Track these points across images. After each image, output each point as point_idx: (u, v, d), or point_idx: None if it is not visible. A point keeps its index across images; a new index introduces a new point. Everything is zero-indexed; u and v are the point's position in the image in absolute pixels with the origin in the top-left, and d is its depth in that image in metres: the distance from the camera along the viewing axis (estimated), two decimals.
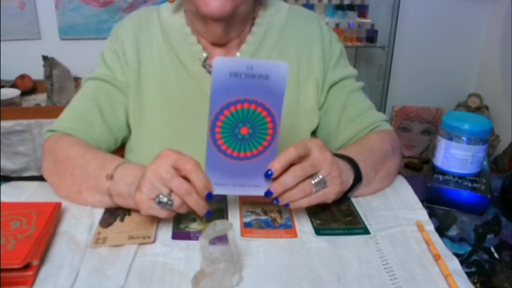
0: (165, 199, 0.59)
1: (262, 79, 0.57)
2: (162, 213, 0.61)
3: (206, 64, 0.85)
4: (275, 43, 0.86)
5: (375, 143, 0.80)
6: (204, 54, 0.84)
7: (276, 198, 0.64)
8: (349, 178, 0.71)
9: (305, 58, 0.87)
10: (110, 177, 0.67)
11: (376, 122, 0.86)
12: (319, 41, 0.88)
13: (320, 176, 0.63)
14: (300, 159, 0.62)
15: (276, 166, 0.61)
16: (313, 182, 0.63)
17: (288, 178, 0.61)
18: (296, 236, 0.65)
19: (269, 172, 0.61)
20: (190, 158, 0.60)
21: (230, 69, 0.56)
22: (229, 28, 0.81)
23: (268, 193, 0.63)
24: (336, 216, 0.70)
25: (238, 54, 0.85)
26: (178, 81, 0.84)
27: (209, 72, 0.84)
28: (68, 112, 0.85)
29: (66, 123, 0.82)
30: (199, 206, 0.61)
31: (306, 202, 0.64)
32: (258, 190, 0.64)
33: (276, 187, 0.62)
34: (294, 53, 0.87)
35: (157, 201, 0.59)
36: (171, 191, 0.60)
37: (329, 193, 0.65)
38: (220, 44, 0.85)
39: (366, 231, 0.66)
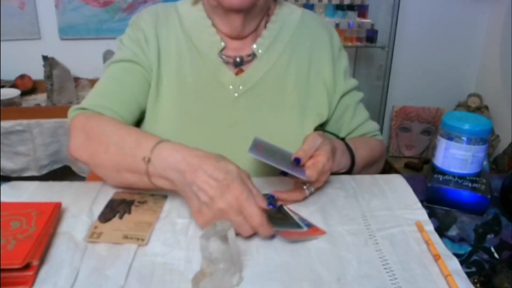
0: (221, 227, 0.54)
1: None
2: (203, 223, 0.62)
3: (222, 54, 0.88)
4: (289, 40, 0.91)
5: (376, 149, 0.95)
6: (222, 44, 0.88)
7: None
8: (346, 164, 0.84)
9: (315, 59, 0.92)
10: (148, 160, 0.66)
11: (373, 132, 0.98)
12: (329, 46, 0.93)
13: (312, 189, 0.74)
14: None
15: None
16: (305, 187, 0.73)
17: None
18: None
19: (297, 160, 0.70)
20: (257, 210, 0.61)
21: None
22: (247, 20, 0.86)
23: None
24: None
25: (254, 46, 0.89)
26: (193, 67, 0.87)
27: (225, 62, 0.88)
28: (94, 92, 0.86)
29: (95, 101, 0.83)
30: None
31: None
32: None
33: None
34: (306, 52, 0.91)
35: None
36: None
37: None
38: (237, 38, 0.88)
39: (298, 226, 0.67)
